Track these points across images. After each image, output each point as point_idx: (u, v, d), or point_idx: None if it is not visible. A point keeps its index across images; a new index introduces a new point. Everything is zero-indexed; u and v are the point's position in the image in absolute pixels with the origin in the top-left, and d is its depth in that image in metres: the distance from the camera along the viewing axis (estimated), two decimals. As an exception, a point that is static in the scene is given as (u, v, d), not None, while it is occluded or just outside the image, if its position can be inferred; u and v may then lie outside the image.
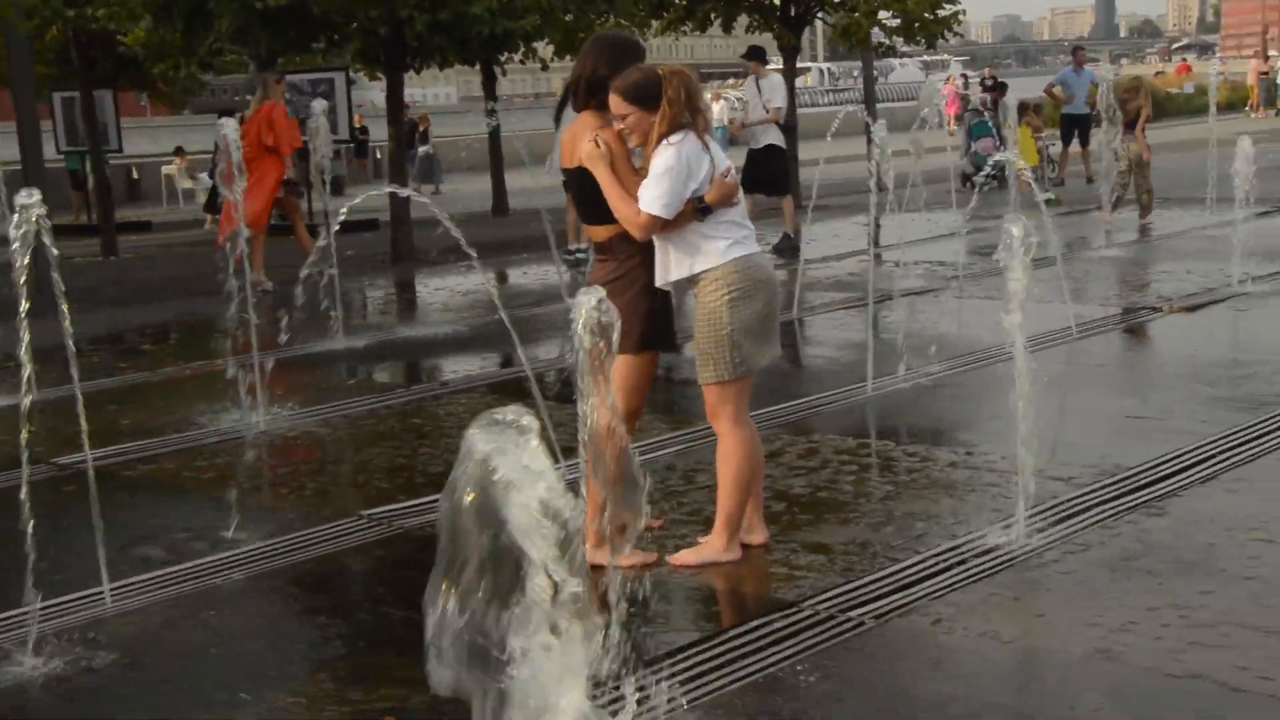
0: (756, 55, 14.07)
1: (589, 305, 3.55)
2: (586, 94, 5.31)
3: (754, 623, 4.72)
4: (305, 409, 8.14)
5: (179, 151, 30.75)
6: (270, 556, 5.58)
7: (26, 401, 5.02)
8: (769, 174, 13.80)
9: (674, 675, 4.26)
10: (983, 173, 9.91)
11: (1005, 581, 5.01)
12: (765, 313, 5.13)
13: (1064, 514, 5.69)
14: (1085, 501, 5.85)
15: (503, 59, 17.83)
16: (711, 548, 5.25)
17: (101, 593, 5.12)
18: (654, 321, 5.25)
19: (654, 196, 4.99)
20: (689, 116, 5.06)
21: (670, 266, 5.13)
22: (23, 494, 4.76)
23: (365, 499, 6.27)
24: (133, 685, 4.49)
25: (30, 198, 4.85)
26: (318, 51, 15.21)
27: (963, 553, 5.29)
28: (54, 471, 6.99)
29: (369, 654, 4.63)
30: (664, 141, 5.02)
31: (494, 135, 20.11)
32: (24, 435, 5.00)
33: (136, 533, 5.95)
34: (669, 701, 3.89)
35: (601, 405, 3.77)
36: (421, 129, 29.40)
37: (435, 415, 8.03)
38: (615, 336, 3.62)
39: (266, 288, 12.35)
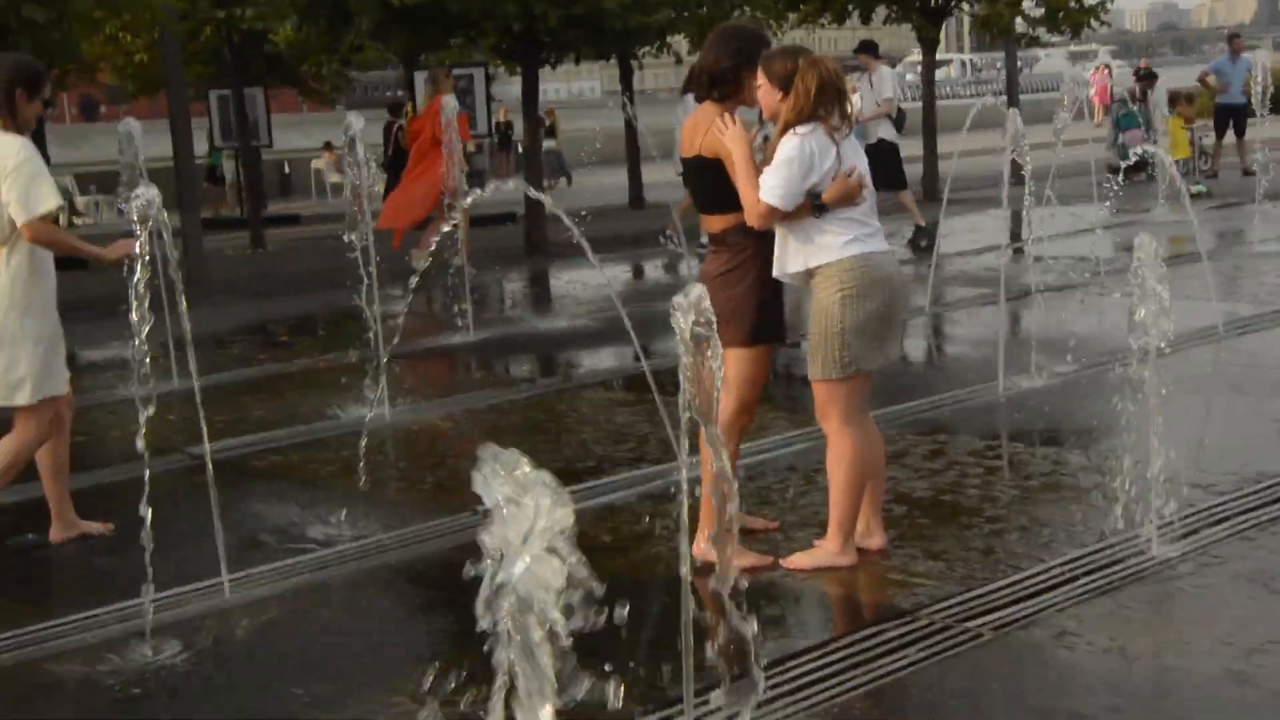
0: (868, 49, 13.86)
1: (686, 308, 3.42)
2: (709, 85, 5.21)
3: (867, 630, 4.56)
4: (430, 401, 8.18)
5: (328, 146, 31.32)
6: (380, 551, 5.57)
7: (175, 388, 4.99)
8: (884, 170, 13.54)
9: (783, 682, 4.14)
10: (1124, 164, 9.54)
11: (1134, 594, 4.77)
12: (881, 313, 4.95)
13: (1201, 523, 5.42)
14: (1224, 511, 5.57)
15: (640, 53, 17.78)
16: (826, 551, 5.10)
17: (220, 583, 5.15)
18: (766, 314, 5.13)
19: (772, 186, 4.87)
20: (824, 109, 4.92)
21: (787, 258, 5.00)
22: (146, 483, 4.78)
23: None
24: (242, 676, 4.50)
25: (149, 191, 4.87)
26: (455, 48, 15.28)
27: (1090, 563, 5.05)
28: (186, 461, 7.08)
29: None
30: (791, 131, 4.90)
31: (629, 128, 20.08)
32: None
33: (260, 524, 6.00)
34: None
35: (709, 412, 3.62)
36: (548, 124, 29.40)
37: (557, 410, 7.99)
38: (714, 339, 3.49)
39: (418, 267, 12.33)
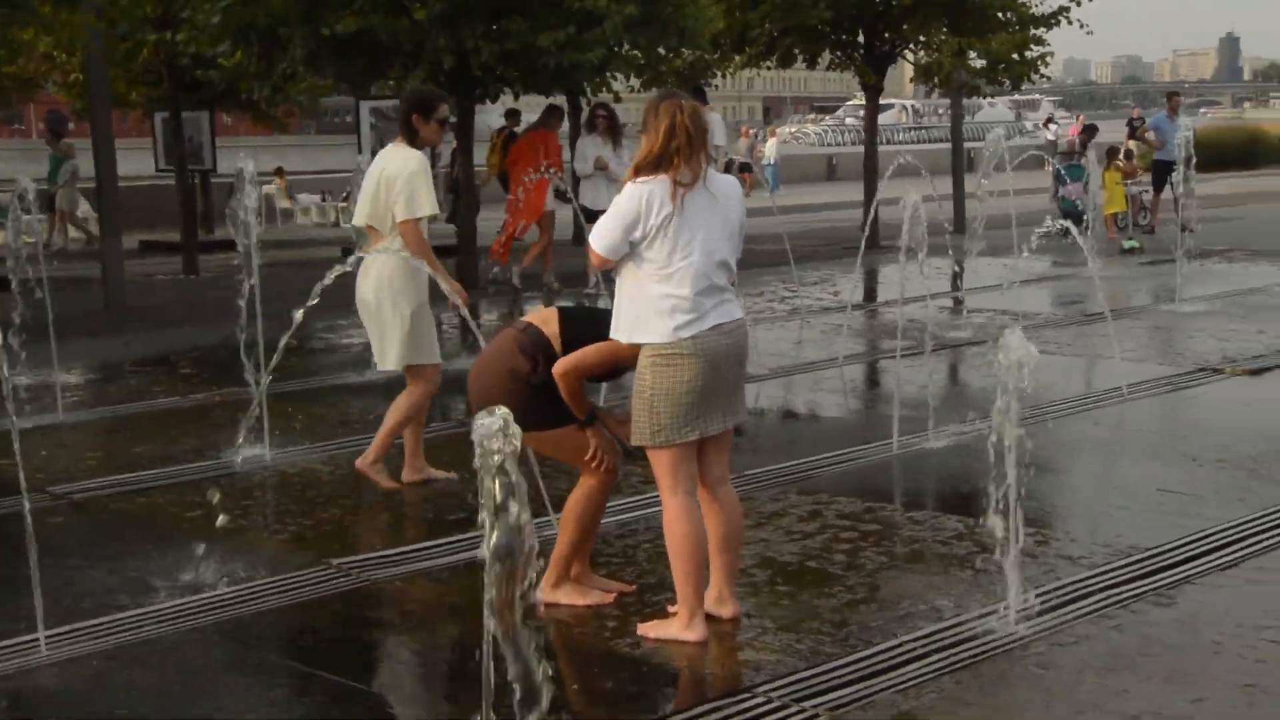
0: (698, 95, 14.09)
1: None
2: None
3: (701, 707, 4.38)
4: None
5: (279, 172, 31.10)
6: (219, 606, 5.35)
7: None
8: None
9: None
10: (1047, 226, 9.44)
11: (981, 674, 4.60)
12: (696, 386, 4.71)
13: (1065, 598, 5.27)
14: (1091, 585, 5.42)
15: (587, 89, 17.65)
16: (674, 624, 4.91)
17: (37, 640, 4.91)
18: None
19: (597, 233, 4.78)
20: (675, 155, 4.69)
21: (617, 325, 4.83)
22: None
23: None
24: None
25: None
26: (392, 78, 15.09)
27: (943, 639, 4.89)
28: (46, 501, 6.84)
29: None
30: (633, 179, 4.75)
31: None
32: None
33: (94, 574, 5.76)
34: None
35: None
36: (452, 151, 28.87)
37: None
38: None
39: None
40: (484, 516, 3.36)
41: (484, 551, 3.40)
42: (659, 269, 4.69)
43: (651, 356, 4.71)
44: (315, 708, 4.43)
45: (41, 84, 25.06)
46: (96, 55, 14.65)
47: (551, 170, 13.91)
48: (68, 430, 8.65)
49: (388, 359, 6.85)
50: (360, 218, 6.91)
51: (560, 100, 16.98)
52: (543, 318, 5.13)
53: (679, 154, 4.69)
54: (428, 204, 6.62)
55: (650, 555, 5.79)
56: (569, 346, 4.95)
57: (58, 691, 4.61)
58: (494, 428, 3.34)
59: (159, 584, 5.58)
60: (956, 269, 14.93)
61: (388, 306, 6.74)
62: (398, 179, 6.61)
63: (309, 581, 5.59)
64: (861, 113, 61.83)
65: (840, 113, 79.24)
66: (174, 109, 19.75)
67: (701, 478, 4.91)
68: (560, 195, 15.25)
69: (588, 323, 5.08)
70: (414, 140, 6.76)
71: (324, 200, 30.11)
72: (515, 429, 3.38)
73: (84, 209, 23.95)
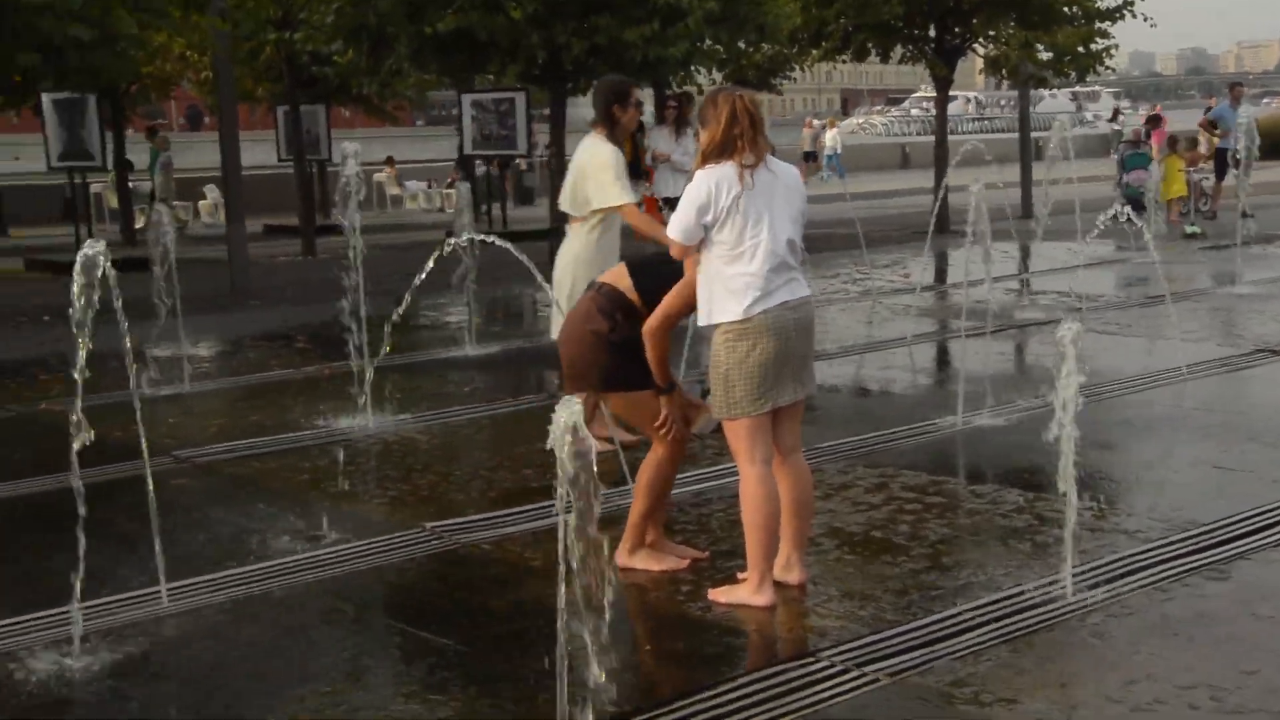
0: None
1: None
2: None
3: (765, 671, 4.29)
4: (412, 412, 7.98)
5: (389, 161, 31.33)
6: (329, 564, 5.37)
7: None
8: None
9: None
10: (1113, 210, 9.17)
11: (1036, 643, 4.47)
12: (768, 360, 4.64)
13: (1121, 571, 5.11)
14: (1147, 558, 5.25)
15: (672, 81, 17.54)
16: (743, 589, 4.84)
17: (158, 591, 4.95)
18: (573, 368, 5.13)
19: (673, 222, 4.74)
20: (738, 140, 4.63)
21: (700, 312, 4.78)
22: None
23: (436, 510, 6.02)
24: (156, 686, 4.29)
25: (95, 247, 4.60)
26: (489, 73, 15.13)
27: (1001, 608, 4.76)
28: (170, 464, 6.92)
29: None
30: (702, 167, 4.70)
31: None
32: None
33: (214, 532, 5.81)
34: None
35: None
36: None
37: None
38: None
39: None
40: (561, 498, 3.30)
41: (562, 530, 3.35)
42: (730, 250, 4.63)
43: (725, 334, 4.66)
44: (403, 661, 4.42)
45: (177, 82, 25.41)
46: (222, 55, 14.81)
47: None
48: (193, 399, 8.75)
49: (553, 330, 6.74)
50: (563, 202, 6.92)
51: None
52: (615, 275, 5.10)
53: (741, 138, 4.63)
54: (615, 195, 6.55)
55: (723, 523, 5.71)
56: (644, 295, 4.92)
57: (176, 639, 4.64)
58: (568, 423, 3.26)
59: (269, 543, 5.61)
60: (1023, 253, 14.65)
61: (566, 283, 6.72)
62: (590, 171, 6.61)
63: (404, 543, 5.58)
64: (925, 104, 60.71)
65: (906, 104, 78.06)
66: (293, 103, 19.92)
67: (775, 447, 4.84)
68: None
69: (654, 268, 5.02)
70: (614, 129, 6.65)
71: (430, 187, 30.30)
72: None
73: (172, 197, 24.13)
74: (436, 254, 6.35)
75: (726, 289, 4.65)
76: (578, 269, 6.69)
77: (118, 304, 4.81)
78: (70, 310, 4.54)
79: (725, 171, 4.62)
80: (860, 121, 68.45)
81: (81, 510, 4.46)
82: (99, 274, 4.51)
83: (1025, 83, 19.26)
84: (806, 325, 4.79)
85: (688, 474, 6.08)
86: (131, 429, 5.22)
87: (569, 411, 3.28)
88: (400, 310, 6.86)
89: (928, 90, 73.30)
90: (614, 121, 6.65)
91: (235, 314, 12.63)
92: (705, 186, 4.62)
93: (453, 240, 6.50)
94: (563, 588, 3.37)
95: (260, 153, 28.39)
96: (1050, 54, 17.87)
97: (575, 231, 6.77)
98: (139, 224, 20.99)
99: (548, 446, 3.27)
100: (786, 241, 4.69)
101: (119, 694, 4.22)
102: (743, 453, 4.75)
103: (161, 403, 8.57)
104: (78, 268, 4.51)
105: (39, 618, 4.79)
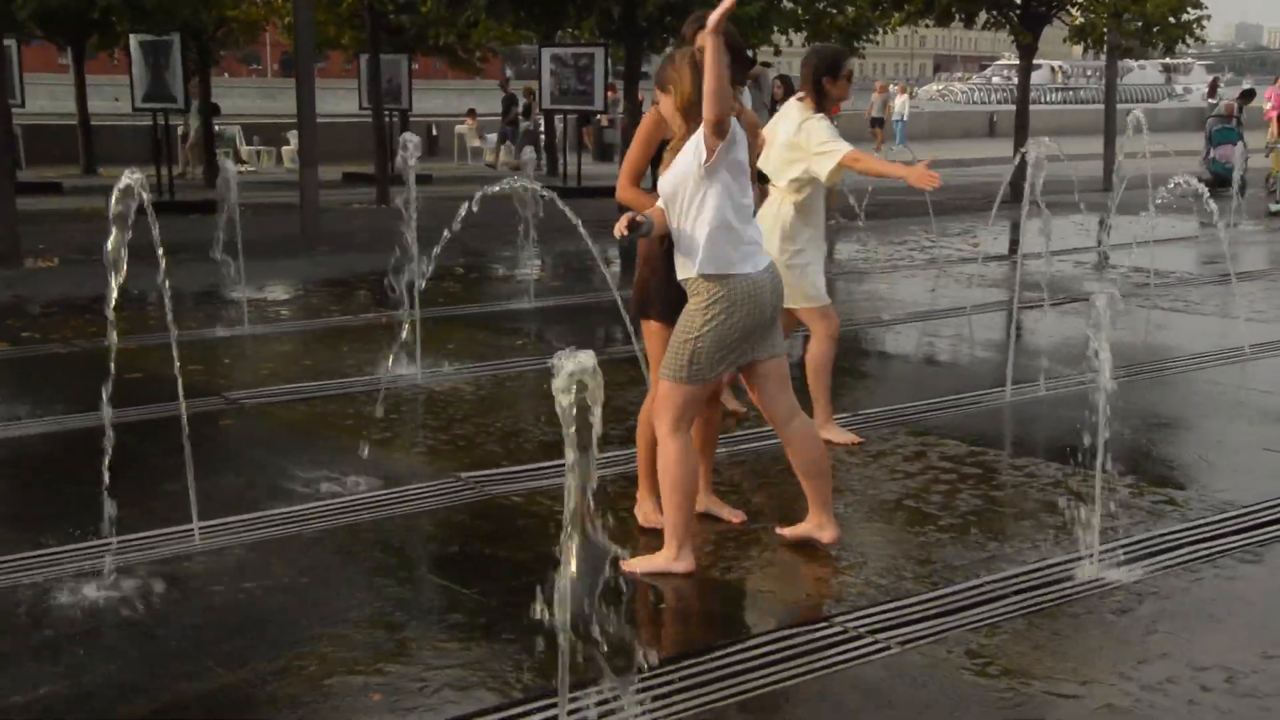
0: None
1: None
2: None
3: (778, 633, 4.29)
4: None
5: (471, 113, 31.42)
6: (358, 509, 5.44)
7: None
8: None
9: (673, 681, 3.91)
10: (1179, 180, 8.95)
11: (1055, 618, 4.42)
12: (744, 328, 4.58)
13: (1153, 549, 5.04)
14: (1181, 537, 5.17)
15: (755, 41, 17.38)
16: (661, 557, 4.73)
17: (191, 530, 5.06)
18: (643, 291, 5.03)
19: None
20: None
21: (677, 265, 4.68)
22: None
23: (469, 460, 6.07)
24: (178, 623, 4.39)
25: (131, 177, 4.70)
26: (565, 27, 15.11)
27: (1024, 582, 4.72)
28: (220, 404, 7.04)
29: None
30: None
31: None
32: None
33: (253, 473, 5.91)
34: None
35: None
36: (525, 103, 28.63)
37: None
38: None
39: None
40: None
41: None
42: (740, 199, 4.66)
43: (706, 302, 4.59)
44: (423, 608, 4.47)
45: (263, 27, 25.68)
46: (302, 1, 14.92)
47: None
48: (250, 341, 8.89)
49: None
50: (763, 162, 6.40)
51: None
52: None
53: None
54: (831, 158, 6.12)
55: (756, 484, 5.70)
56: None
57: (202, 576, 4.73)
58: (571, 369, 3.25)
59: (304, 486, 5.69)
60: (1100, 225, 14.35)
61: (771, 247, 6.31)
62: (801, 143, 6.19)
63: (436, 492, 5.64)
64: (1007, 72, 59.35)
65: (988, 72, 76.54)
66: (374, 52, 20.03)
67: (770, 417, 4.83)
68: None
69: None
70: (821, 101, 6.25)
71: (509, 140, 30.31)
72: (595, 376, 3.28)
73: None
74: (467, 204, 6.23)
75: (703, 245, 4.54)
76: (774, 236, 6.22)
77: (159, 248, 4.89)
78: (106, 246, 4.62)
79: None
80: (940, 88, 67.29)
81: (115, 447, 4.56)
82: (134, 204, 4.58)
83: (1112, 53, 18.83)
84: (777, 291, 4.74)
85: (729, 434, 6.07)
86: (186, 369, 5.31)
87: (574, 361, 3.27)
88: (458, 261, 6.83)
89: (1011, 58, 71.91)
90: (822, 93, 6.24)
91: (302, 259, 12.79)
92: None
93: (495, 188, 6.37)
94: (563, 539, 3.38)
95: (346, 100, 28.60)
96: (1140, 23, 17.43)
97: (774, 200, 6.37)
98: (178, 170, 21.09)
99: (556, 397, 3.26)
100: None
101: (139, 625, 4.32)
102: (673, 419, 4.63)
103: (219, 344, 8.71)
104: (114, 195, 4.60)
105: (76, 549, 4.90)
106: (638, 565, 4.72)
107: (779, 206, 6.32)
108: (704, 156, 4.48)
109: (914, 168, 6.03)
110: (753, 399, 4.92)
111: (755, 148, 5.05)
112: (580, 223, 6.82)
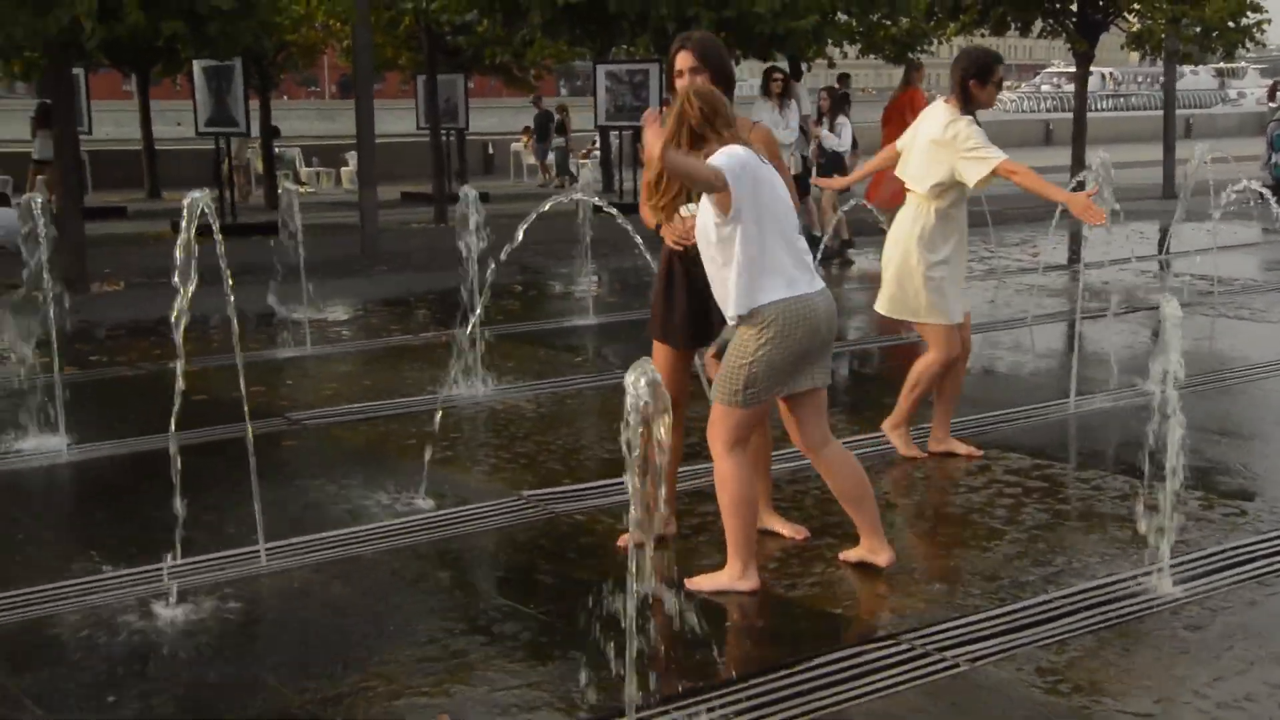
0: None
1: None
2: None
3: (846, 651, 4.24)
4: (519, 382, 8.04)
5: (527, 130, 31.55)
6: (419, 529, 5.45)
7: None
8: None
9: (744, 699, 3.88)
10: (1241, 186, 8.83)
11: (1126, 634, 4.34)
12: (800, 351, 4.51)
13: (1225, 563, 4.94)
14: (1255, 551, 5.07)
15: (809, 54, 17.35)
16: (726, 575, 4.70)
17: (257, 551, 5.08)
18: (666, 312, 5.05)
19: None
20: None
21: (724, 303, 4.57)
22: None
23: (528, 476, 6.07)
24: (244, 644, 4.41)
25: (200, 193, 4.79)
26: (620, 44, 15.14)
27: (1093, 597, 4.64)
28: (283, 425, 7.09)
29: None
30: None
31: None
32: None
33: (314, 495, 5.94)
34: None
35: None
36: (559, 120, 28.70)
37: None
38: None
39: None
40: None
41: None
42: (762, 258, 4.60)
43: (760, 328, 4.51)
44: (485, 627, 4.46)
45: (322, 50, 25.94)
46: (360, 23, 15.06)
47: None
48: (312, 362, 8.96)
49: (879, 301, 6.34)
50: (900, 170, 6.27)
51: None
52: None
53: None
54: (985, 163, 5.87)
55: (818, 500, 5.66)
56: None
57: (268, 598, 4.76)
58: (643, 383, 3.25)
59: (367, 506, 5.71)
60: (1161, 233, 14.16)
61: (897, 256, 6.18)
62: (949, 144, 5.93)
63: (499, 511, 5.64)
64: (1057, 80, 58.75)
65: (1037, 80, 75.76)
66: (431, 72, 20.18)
67: (803, 444, 4.78)
68: None
69: None
70: (967, 104, 6.02)
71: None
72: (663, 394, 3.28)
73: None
74: (528, 220, 6.22)
75: (756, 275, 4.48)
76: (912, 244, 6.11)
77: (224, 266, 4.94)
78: (175, 266, 4.68)
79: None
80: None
81: (181, 469, 4.60)
82: (198, 213, 4.65)
83: (1170, 58, 18.58)
84: (832, 314, 4.66)
85: (789, 450, 6.02)
86: (249, 390, 5.34)
87: (642, 370, 3.27)
88: (516, 279, 6.84)
89: (1060, 65, 71.02)
90: (968, 97, 6.01)
91: (362, 278, 12.88)
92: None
93: (550, 202, 6.37)
94: (632, 563, 3.36)
95: (403, 120, 28.77)
96: (1199, 28, 17.20)
97: (914, 206, 6.14)
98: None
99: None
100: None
101: (206, 646, 4.34)
102: (728, 440, 4.59)
103: (282, 365, 8.79)
104: (185, 207, 4.69)
105: (143, 571, 4.94)
106: (703, 584, 4.69)
107: (919, 214, 6.08)
108: (716, 217, 4.45)
109: (1078, 196, 5.70)
110: (785, 422, 4.85)
111: (772, 159, 4.91)
112: (639, 239, 6.85)
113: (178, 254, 4.72)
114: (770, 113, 13.32)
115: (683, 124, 4.49)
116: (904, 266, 6.16)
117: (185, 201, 4.79)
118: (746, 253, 4.44)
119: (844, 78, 17.60)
